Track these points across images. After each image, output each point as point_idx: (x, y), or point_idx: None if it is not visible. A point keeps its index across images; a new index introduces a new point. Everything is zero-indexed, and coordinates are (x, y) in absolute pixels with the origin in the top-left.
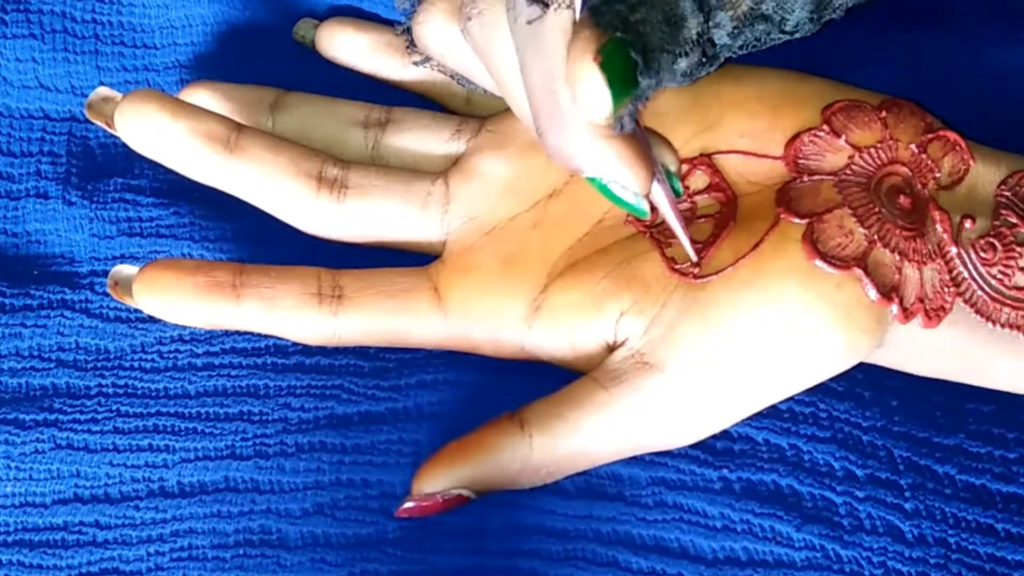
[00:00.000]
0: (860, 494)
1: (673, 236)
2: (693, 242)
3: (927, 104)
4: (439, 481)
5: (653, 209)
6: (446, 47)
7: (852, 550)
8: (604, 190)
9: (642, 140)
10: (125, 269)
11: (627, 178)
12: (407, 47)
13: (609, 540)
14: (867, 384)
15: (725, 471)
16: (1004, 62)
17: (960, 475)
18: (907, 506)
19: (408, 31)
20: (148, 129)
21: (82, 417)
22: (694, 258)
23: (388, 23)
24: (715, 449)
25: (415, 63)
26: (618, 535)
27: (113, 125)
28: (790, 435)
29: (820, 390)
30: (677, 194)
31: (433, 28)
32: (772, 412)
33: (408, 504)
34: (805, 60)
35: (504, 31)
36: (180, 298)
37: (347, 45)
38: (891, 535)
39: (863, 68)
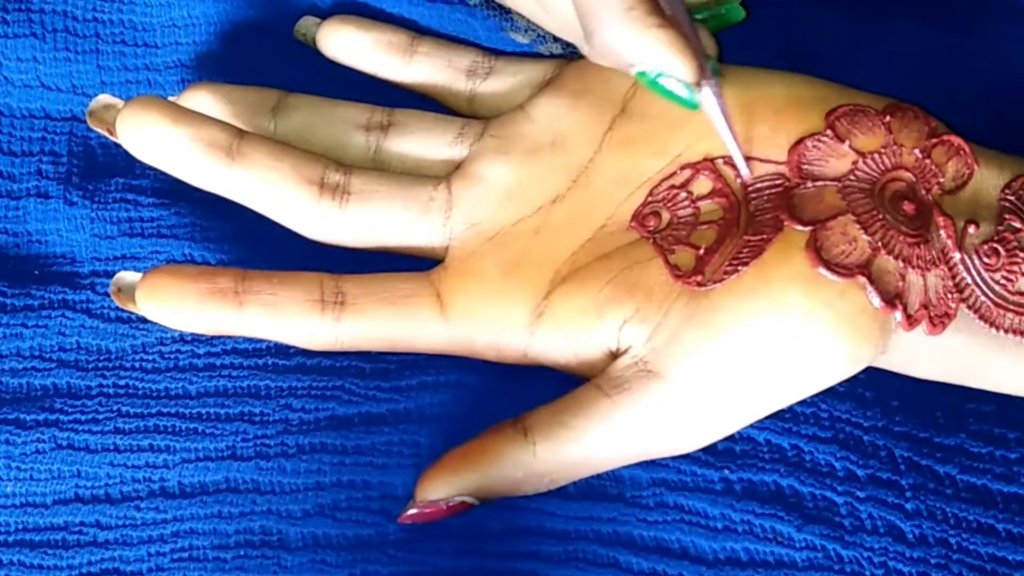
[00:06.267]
0: (861, 494)
1: (676, 242)
2: (693, 245)
3: (930, 105)
4: (442, 488)
5: None
6: None
7: (853, 550)
8: (654, 85)
9: (689, 30)
10: (128, 276)
11: (676, 67)
12: None
13: (610, 541)
14: (868, 384)
15: (726, 472)
16: (1008, 62)
17: (961, 475)
18: (908, 506)
19: None
20: (149, 136)
21: (83, 417)
22: (744, 172)
23: (392, 21)
24: (716, 450)
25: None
26: (619, 536)
27: (115, 132)
28: (791, 435)
29: (821, 391)
30: (718, 76)
31: None
32: (773, 412)
33: (411, 511)
34: (807, 61)
35: None
36: (183, 305)
37: (349, 44)
38: (892, 535)
39: (865, 68)
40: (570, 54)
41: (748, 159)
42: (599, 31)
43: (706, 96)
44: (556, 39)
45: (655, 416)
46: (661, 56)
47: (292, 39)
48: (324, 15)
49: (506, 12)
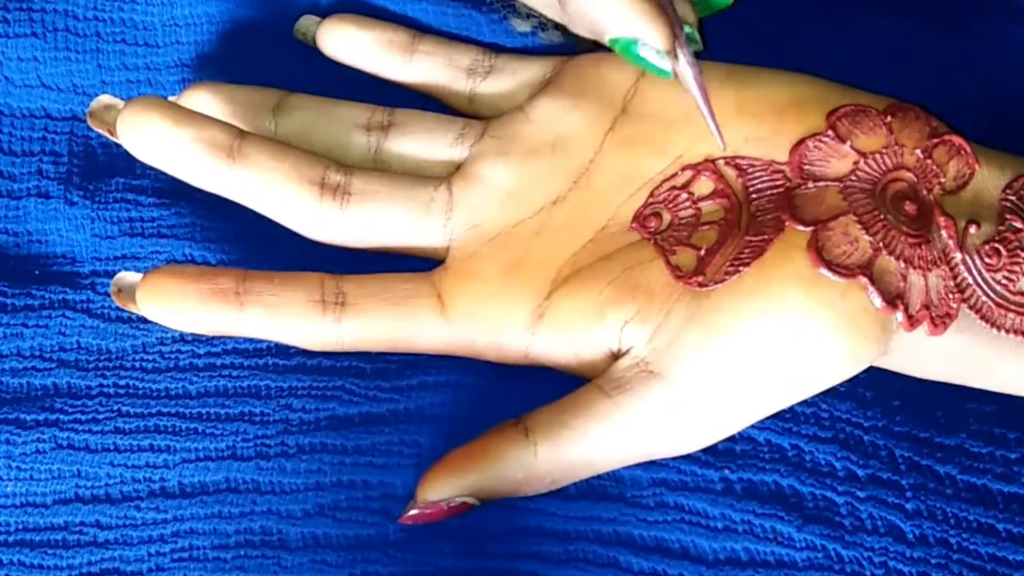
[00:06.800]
0: (861, 494)
1: (677, 243)
2: (694, 246)
3: (931, 105)
4: (443, 489)
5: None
6: None
7: (853, 550)
8: (628, 52)
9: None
10: (128, 276)
11: (648, 33)
12: None
13: (610, 541)
14: (869, 384)
15: (726, 472)
16: (1009, 62)
17: (961, 475)
18: (908, 506)
19: None
20: (150, 137)
21: (83, 417)
22: (720, 143)
23: (392, 18)
24: (716, 450)
25: None
26: (619, 536)
27: (115, 133)
28: (791, 435)
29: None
30: (698, 47)
31: None
32: (773, 413)
33: (412, 512)
34: (808, 61)
35: None
36: (183, 306)
37: (349, 43)
38: (892, 535)
39: (865, 68)
40: (571, 45)
41: (749, 159)
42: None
43: (681, 65)
44: (556, 26)
45: (656, 417)
46: (634, 23)
47: (293, 39)
48: (324, 14)
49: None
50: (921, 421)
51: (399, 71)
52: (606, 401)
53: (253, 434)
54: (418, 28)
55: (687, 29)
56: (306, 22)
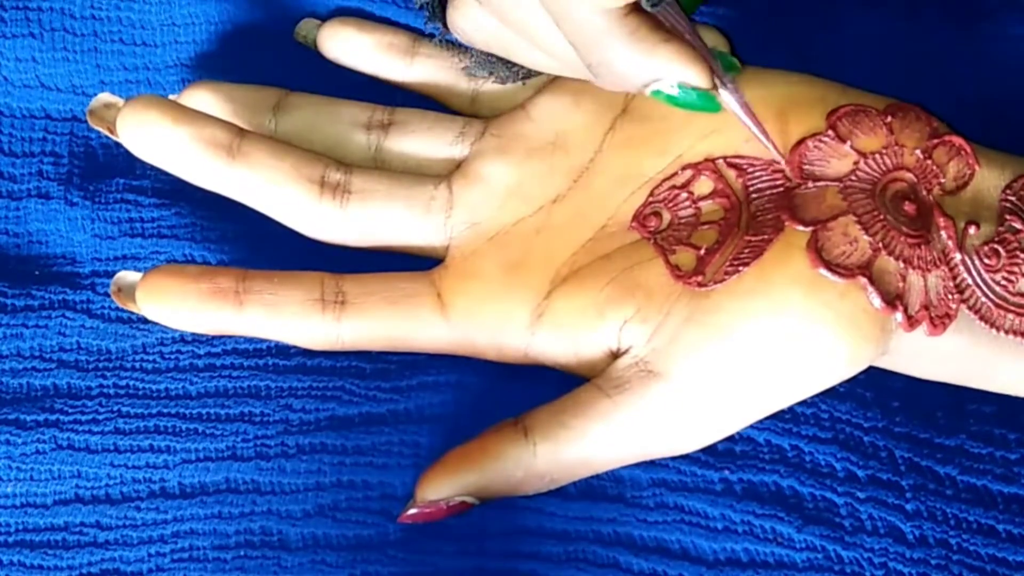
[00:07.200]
0: (861, 495)
1: (677, 243)
2: (694, 246)
3: (931, 105)
4: (443, 488)
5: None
6: (481, 29)
7: (853, 551)
8: (672, 99)
9: (692, 37)
10: (128, 276)
11: (691, 77)
12: (438, 36)
13: (610, 541)
14: (868, 385)
15: (726, 472)
16: (1009, 61)
17: (961, 476)
18: (908, 507)
19: (436, 28)
20: (150, 135)
21: (83, 418)
22: (777, 157)
23: (391, 23)
24: (716, 450)
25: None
26: (619, 536)
27: (115, 131)
28: (791, 436)
29: (821, 391)
30: (737, 71)
31: (466, 13)
32: (773, 413)
33: (411, 511)
34: (808, 60)
35: None
36: (183, 305)
37: (350, 46)
38: (892, 536)
39: (865, 68)
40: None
41: (749, 159)
42: (607, 62)
43: (725, 96)
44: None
45: (655, 416)
46: (673, 71)
47: (291, 38)
48: (324, 17)
49: (464, 50)
50: (921, 422)
51: (400, 73)
52: (605, 401)
53: (253, 434)
54: (420, 33)
55: (721, 56)
56: (307, 26)
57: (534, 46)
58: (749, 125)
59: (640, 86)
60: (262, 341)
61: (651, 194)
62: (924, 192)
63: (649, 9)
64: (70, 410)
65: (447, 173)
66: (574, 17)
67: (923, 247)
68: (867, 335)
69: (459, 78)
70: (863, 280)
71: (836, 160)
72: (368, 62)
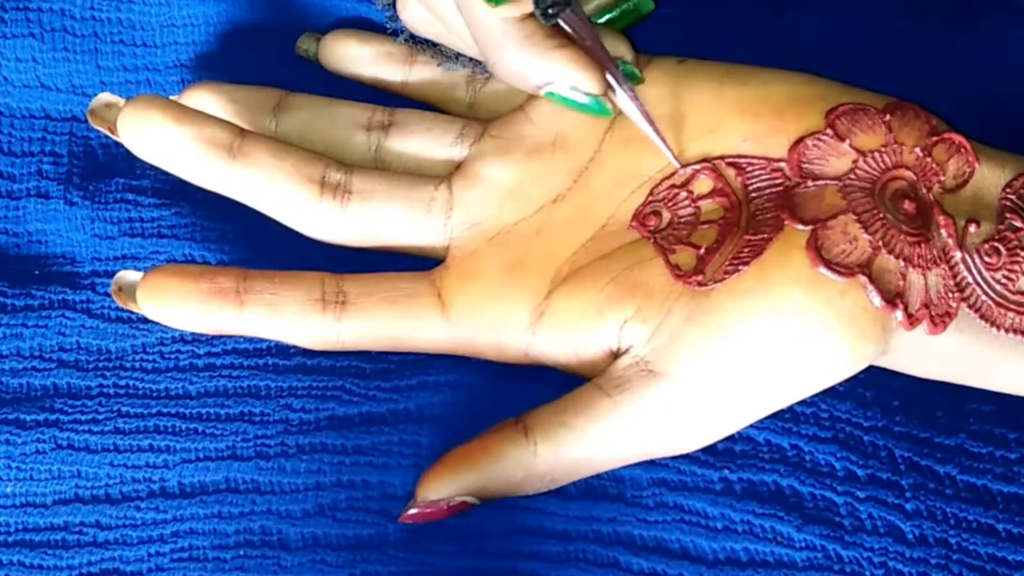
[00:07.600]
0: (861, 494)
1: (677, 242)
2: (694, 245)
3: (930, 103)
4: (443, 488)
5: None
6: (421, 20)
7: (853, 550)
8: (566, 102)
9: (593, 43)
10: (129, 275)
11: (582, 82)
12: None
13: (610, 541)
14: (868, 384)
15: (726, 472)
16: (1009, 61)
17: (961, 475)
18: (908, 506)
19: (398, 24)
20: (151, 135)
21: (83, 417)
22: (675, 163)
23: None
24: (716, 450)
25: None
26: (619, 536)
27: (116, 131)
28: (791, 435)
29: (821, 390)
30: (638, 81)
31: (406, 7)
32: (773, 412)
33: (412, 511)
34: (807, 59)
35: None
36: (184, 305)
37: (351, 57)
38: (892, 535)
39: (864, 67)
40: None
41: (748, 158)
42: (503, 62)
43: (622, 100)
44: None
45: (656, 416)
46: (565, 75)
47: (290, 39)
48: (324, 30)
49: (435, 45)
50: (921, 421)
51: (400, 82)
52: (606, 400)
53: (253, 434)
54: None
55: (623, 65)
56: (307, 40)
57: (451, 32)
58: (646, 130)
59: (534, 87)
60: (262, 341)
61: (651, 193)
62: (924, 190)
63: (544, 22)
64: (70, 410)
65: (447, 174)
66: (475, 17)
67: (923, 245)
68: (867, 334)
69: (457, 84)
70: (863, 279)
71: (835, 159)
72: (369, 72)
